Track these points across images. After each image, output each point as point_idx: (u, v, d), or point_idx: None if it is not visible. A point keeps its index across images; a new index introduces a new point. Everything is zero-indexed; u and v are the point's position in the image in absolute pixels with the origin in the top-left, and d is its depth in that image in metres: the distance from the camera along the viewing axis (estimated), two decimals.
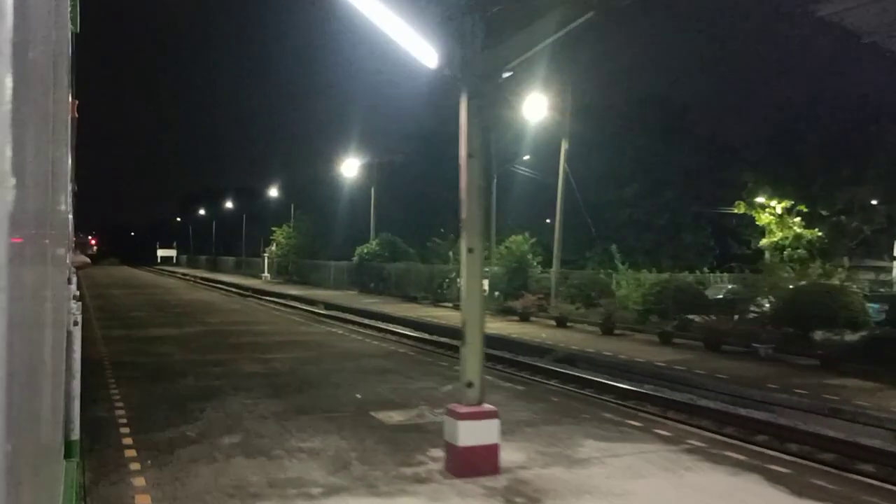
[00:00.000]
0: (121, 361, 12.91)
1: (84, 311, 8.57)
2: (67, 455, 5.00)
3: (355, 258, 41.05)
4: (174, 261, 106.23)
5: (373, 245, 40.65)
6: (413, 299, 33.29)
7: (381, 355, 14.38)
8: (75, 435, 5.57)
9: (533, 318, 24.31)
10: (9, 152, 1.20)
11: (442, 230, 38.57)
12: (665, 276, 24.73)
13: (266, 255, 55.96)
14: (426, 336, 20.86)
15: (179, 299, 31.70)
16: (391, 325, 24.06)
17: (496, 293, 26.86)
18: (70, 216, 10.83)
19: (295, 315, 25.48)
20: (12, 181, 1.25)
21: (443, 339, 19.36)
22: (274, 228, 55.90)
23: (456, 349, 8.48)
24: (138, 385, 10.54)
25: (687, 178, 40.90)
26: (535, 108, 25.53)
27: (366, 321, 24.46)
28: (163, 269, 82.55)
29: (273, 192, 65.86)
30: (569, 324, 22.67)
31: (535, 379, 13.51)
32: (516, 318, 24.44)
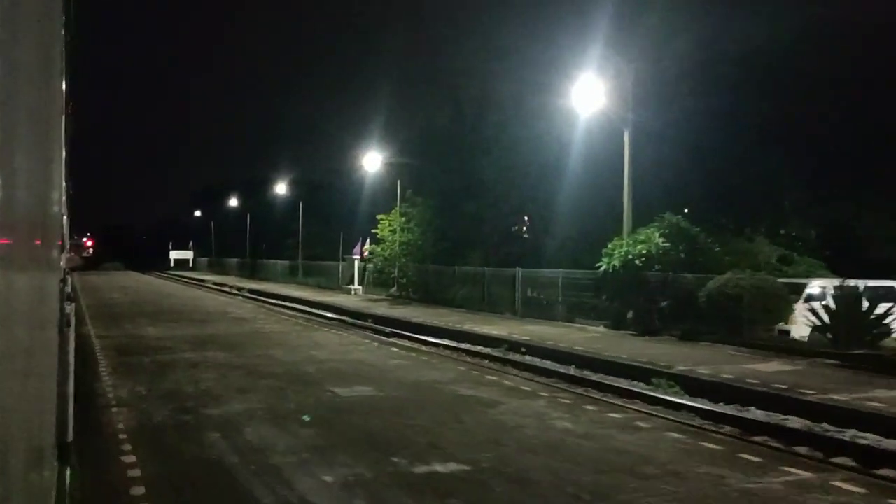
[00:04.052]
0: None
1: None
2: (60, 458, 4.89)
3: (604, 261, 19.47)
4: (190, 264, 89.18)
5: (651, 236, 18.86)
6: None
7: None
8: (68, 437, 5.40)
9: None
10: None
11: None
12: None
13: (357, 258, 36.29)
14: None
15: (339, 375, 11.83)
16: None
17: None
18: (65, 218, 10.57)
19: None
20: (1, 182, 1.27)
21: None
22: (380, 217, 33.68)
23: None
24: None
25: None
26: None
27: None
28: (182, 277, 63.83)
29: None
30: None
31: None
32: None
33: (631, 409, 9.31)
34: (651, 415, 8.95)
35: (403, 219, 32.25)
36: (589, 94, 19.84)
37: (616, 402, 10.03)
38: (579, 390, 11.23)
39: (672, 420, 8.72)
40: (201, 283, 50.43)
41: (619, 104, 19.60)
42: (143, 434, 7.56)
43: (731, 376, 11.68)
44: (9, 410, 1.45)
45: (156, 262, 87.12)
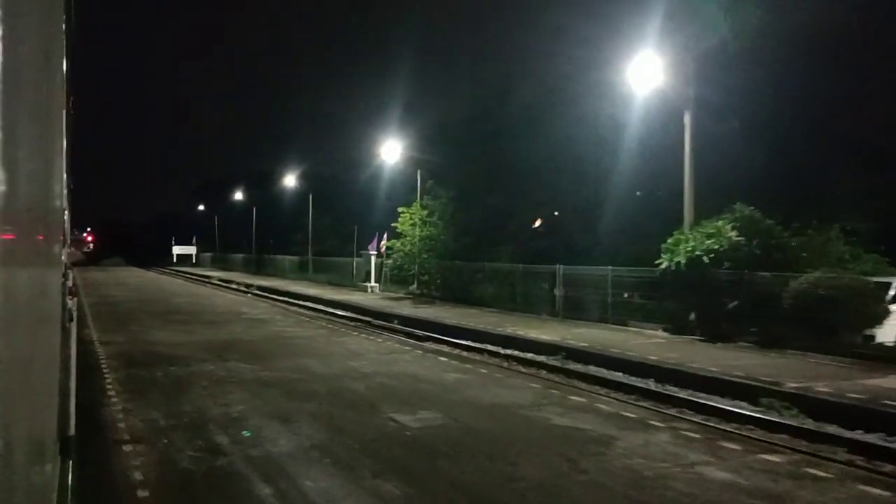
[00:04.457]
0: None
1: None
2: (62, 452, 4.81)
3: (665, 257, 17.26)
4: (193, 260, 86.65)
5: (722, 230, 16.57)
6: None
7: None
8: (70, 432, 5.40)
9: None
10: None
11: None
12: None
13: (374, 254, 33.51)
14: None
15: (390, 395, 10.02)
16: None
17: None
18: (66, 212, 10.35)
19: None
20: (2, 177, 1.27)
21: None
22: (401, 210, 31.32)
23: None
24: None
25: None
26: None
27: None
28: (184, 272, 60.67)
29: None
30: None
31: None
32: None
33: (780, 446, 7.40)
34: (809, 455, 7.05)
35: (425, 212, 30.24)
36: (645, 72, 17.80)
37: (755, 436, 8.05)
38: (673, 411, 9.46)
39: (841, 463, 6.83)
40: (206, 280, 48.15)
41: (678, 82, 17.65)
42: (169, 489, 5.68)
43: (858, 396, 9.76)
44: (11, 405, 1.47)
45: (157, 258, 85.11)
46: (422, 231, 29.70)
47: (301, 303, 28.88)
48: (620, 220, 24.62)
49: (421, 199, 30.48)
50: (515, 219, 28.82)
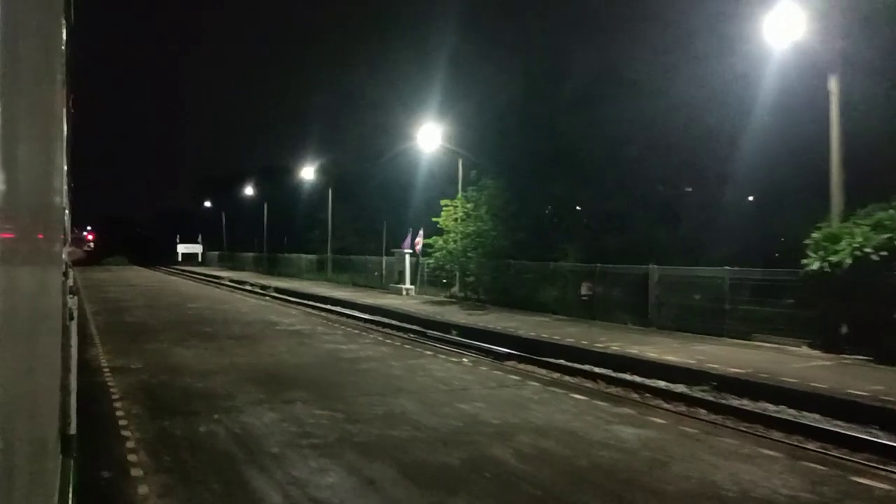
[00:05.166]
0: None
1: None
2: (64, 451, 4.72)
3: (814, 257, 13.84)
4: (199, 259, 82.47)
5: None
6: None
7: None
8: (72, 430, 5.21)
9: None
10: None
11: None
12: None
13: (408, 252, 29.50)
14: None
15: None
16: None
17: None
18: (66, 211, 9.84)
19: None
20: (3, 176, 1.24)
21: None
22: (444, 203, 26.89)
23: None
24: None
25: None
26: None
27: None
28: (192, 272, 56.37)
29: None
30: None
31: None
32: None
33: None
34: None
35: (470, 205, 26.64)
36: (784, 25, 14.45)
37: None
38: None
39: None
40: (217, 281, 44.80)
41: (824, 38, 14.24)
42: None
43: None
44: (13, 403, 1.45)
45: (161, 257, 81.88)
46: (466, 226, 26.24)
47: (334, 308, 25.67)
48: (736, 216, 20.80)
49: (464, 190, 27.03)
50: (579, 212, 25.16)
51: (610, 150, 23.43)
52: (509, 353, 15.14)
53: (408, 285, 29.79)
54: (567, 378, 12.61)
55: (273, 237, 60.36)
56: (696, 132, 21.68)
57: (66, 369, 5.28)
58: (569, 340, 15.55)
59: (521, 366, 13.83)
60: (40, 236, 2.44)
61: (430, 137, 28.62)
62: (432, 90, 36.66)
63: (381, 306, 24.26)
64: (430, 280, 29.71)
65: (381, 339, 16.06)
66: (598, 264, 20.26)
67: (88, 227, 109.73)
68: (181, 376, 10.78)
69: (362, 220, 45.79)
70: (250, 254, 64.56)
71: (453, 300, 26.60)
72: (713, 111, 21.61)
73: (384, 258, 34.30)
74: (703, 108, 21.62)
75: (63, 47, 4.77)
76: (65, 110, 5.69)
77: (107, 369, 11.33)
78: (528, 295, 22.93)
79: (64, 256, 8.03)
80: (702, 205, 21.07)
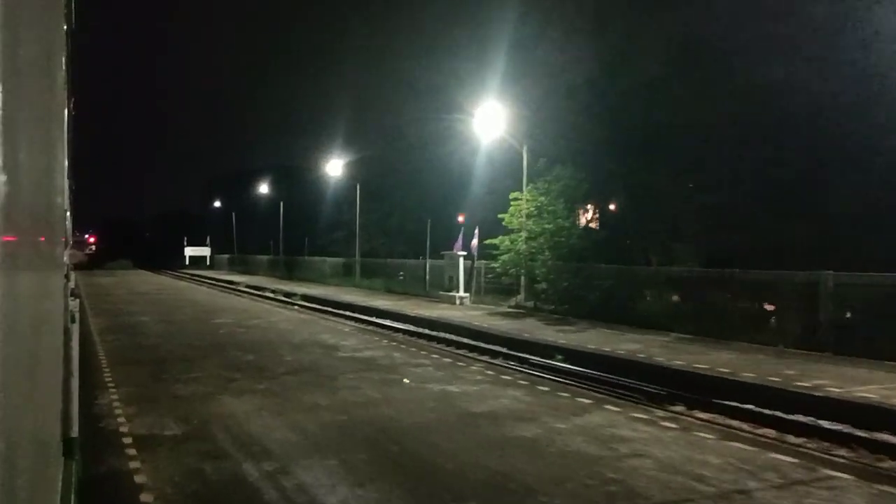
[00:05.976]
0: None
1: None
2: (66, 453, 4.68)
3: None
4: (208, 262, 79.20)
5: None
6: None
7: None
8: (74, 433, 5.18)
9: None
10: (0, 149, 1.20)
11: None
12: None
13: (462, 255, 25.53)
14: None
15: None
16: None
17: None
18: (68, 214, 9.63)
19: None
20: (4, 178, 1.25)
21: None
22: (513, 197, 23.17)
23: None
24: None
25: None
26: None
27: None
28: (202, 277, 53.31)
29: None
30: None
31: None
32: None
33: None
34: None
35: (543, 198, 22.61)
36: None
37: None
38: None
39: None
40: (233, 287, 40.45)
41: None
42: None
43: None
44: (15, 406, 1.43)
45: (167, 260, 77.78)
46: (539, 224, 22.21)
47: (384, 322, 21.60)
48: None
49: (534, 182, 23.02)
50: (675, 199, 20.97)
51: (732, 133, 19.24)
52: (670, 392, 11.18)
53: (461, 293, 25.70)
54: (821, 447, 8.60)
55: (287, 239, 56.38)
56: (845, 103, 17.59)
57: (67, 371, 5.34)
58: (746, 375, 11.54)
59: (703, 416, 9.88)
60: (41, 239, 2.45)
61: (488, 118, 24.50)
62: (488, 71, 31.50)
63: (441, 319, 20.22)
64: (489, 287, 25.69)
65: (490, 373, 11.93)
66: (737, 269, 16.08)
67: (90, 231, 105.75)
68: (247, 456, 6.80)
69: (394, 219, 41.69)
70: (264, 257, 60.35)
71: (522, 311, 22.63)
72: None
73: (427, 261, 30.20)
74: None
75: (64, 48, 4.74)
76: (66, 112, 5.73)
77: (128, 440, 7.34)
78: (622, 305, 18.93)
79: (65, 259, 8.07)
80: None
